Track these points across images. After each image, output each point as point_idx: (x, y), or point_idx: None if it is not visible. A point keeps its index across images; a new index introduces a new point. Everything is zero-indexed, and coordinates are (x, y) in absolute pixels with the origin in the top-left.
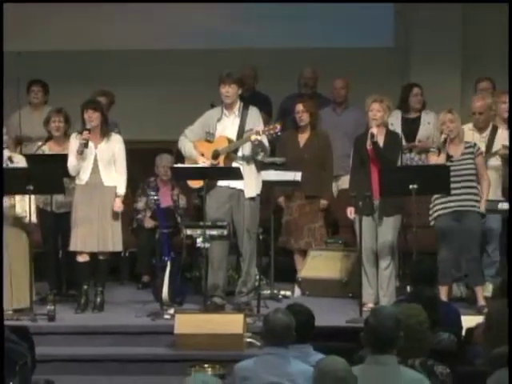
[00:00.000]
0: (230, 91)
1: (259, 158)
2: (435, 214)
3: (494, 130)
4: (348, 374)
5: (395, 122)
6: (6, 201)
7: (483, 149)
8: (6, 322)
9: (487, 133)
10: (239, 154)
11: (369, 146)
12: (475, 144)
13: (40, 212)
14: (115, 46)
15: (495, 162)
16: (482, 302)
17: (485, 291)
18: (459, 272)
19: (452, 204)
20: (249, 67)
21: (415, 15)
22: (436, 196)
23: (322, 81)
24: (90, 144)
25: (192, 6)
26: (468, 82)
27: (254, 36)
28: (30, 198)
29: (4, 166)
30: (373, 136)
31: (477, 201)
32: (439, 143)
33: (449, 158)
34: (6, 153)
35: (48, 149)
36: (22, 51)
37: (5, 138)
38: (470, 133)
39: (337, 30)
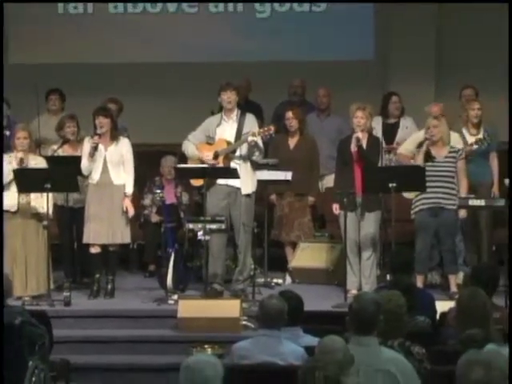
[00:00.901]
0: (230, 97)
1: (254, 157)
2: (416, 209)
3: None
4: (347, 353)
5: (376, 127)
6: (24, 198)
7: None
8: (27, 307)
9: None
10: (237, 154)
11: (353, 148)
12: (459, 150)
13: (57, 208)
14: (125, 59)
15: None
16: (454, 288)
17: (457, 279)
18: (434, 261)
19: (431, 200)
20: (243, 79)
21: (393, 30)
22: (418, 193)
23: (310, 89)
24: (101, 146)
25: (194, 24)
26: (440, 90)
27: (249, 50)
28: (47, 196)
29: (17, 167)
30: (358, 140)
31: (454, 199)
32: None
33: (432, 158)
34: (20, 155)
35: (62, 151)
36: (42, 63)
37: (26, 141)
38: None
39: (322, 44)
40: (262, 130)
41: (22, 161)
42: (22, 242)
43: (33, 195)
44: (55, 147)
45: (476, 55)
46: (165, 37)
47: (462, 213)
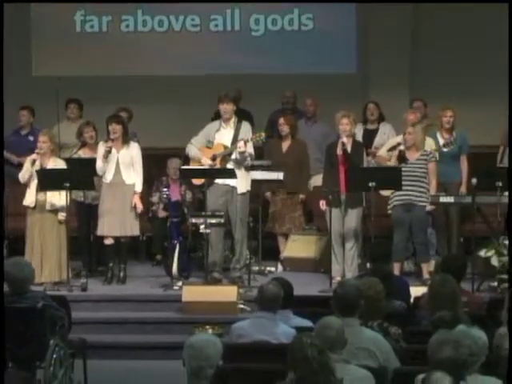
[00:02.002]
0: (227, 108)
1: (245, 163)
2: (391, 205)
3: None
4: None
5: (358, 133)
6: (42, 195)
7: None
8: (49, 292)
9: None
10: (233, 157)
11: (339, 152)
12: (430, 153)
13: (77, 204)
14: (135, 72)
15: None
16: (426, 275)
17: (429, 267)
18: (409, 252)
19: (405, 198)
20: (235, 89)
21: (372, 47)
22: (393, 191)
23: (300, 99)
24: (113, 150)
25: (196, 41)
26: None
27: (245, 65)
28: (66, 194)
29: (35, 169)
30: (344, 144)
31: (425, 197)
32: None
33: (405, 160)
34: (33, 156)
35: (83, 153)
36: (62, 76)
37: (46, 145)
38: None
39: (310, 59)
40: (253, 136)
41: (34, 162)
42: (38, 234)
43: (49, 193)
44: (76, 150)
45: (446, 68)
46: (170, 52)
47: (429, 207)
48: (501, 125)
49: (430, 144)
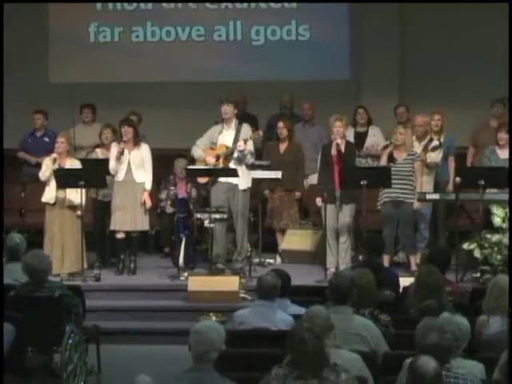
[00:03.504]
0: (227, 109)
1: (246, 161)
2: (381, 202)
3: (430, 140)
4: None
5: (350, 135)
6: (62, 192)
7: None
8: (65, 282)
9: (424, 142)
10: (234, 156)
11: (334, 152)
12: (416, 153)
13: (92, 201)
14: (145, 78)
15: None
16: (414, 267)
17: (417, 259)
18: (398, 245)
19: (393, 195)
20: (240, 95)
21: (364, 55)
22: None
23: (297, 103)
24: (125, 151)
25: (201, 50)
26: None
27: (246, 72)
28: (81, 191)
29: (57, 167)
30: (338, 145)
31: (411, 194)
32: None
33: (394, 160)
34: (54, 155)
35: (100, 152)
36: (77, 82)
37: (63, 145)
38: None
39: (307, 66)
40: (252, 135)
41: (55, 160)
42: (59, 228)
43: (68, 190)
44: (92, 150)
45: (434, 78)
46: (177, 61)
47: (417, 204)
48: (472, 126)
49: (416, 146)
